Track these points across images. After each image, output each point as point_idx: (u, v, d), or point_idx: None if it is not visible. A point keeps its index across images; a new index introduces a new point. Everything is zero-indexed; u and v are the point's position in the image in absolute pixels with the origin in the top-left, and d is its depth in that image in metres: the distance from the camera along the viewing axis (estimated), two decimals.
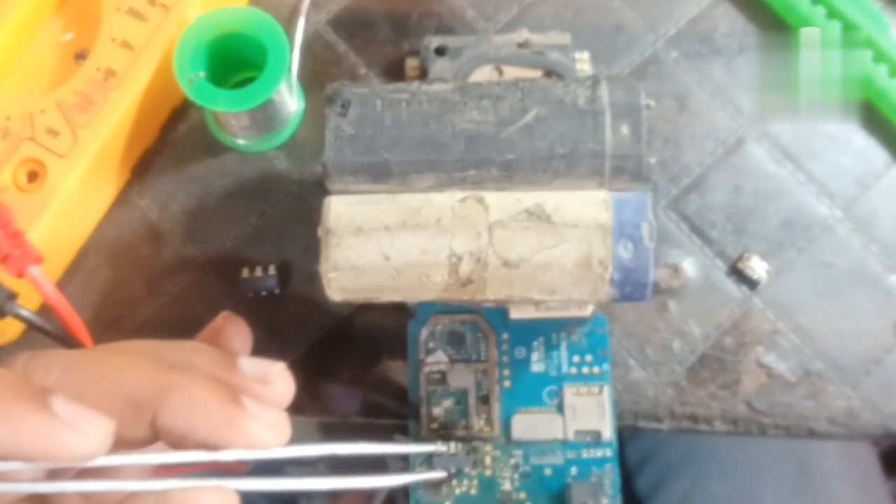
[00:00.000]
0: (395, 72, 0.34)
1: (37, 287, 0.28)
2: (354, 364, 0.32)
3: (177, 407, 0.20)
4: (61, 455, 0.18)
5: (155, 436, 0.21)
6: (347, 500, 0.55)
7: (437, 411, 0.29)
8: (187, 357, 0.23)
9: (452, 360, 0.29)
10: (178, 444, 0.20)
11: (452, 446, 0.28)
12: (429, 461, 0.28)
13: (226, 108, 0.30)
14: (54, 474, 0.21)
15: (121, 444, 0.20)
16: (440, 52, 0.31)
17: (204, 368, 0.22)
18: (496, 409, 0.29)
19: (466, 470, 0.28)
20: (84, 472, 0.21)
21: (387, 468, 0.41)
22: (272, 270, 0.31)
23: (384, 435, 0.29)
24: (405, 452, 0.28)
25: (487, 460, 0.28)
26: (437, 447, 0.28)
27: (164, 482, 0.20)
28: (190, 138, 0.33)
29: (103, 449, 0.19)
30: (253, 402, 0.21)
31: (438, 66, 0.30)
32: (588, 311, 0.29)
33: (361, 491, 0.53)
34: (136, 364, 0.21)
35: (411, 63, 0.33)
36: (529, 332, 0.29)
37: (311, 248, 0.25)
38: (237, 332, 0.28)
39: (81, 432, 0.18)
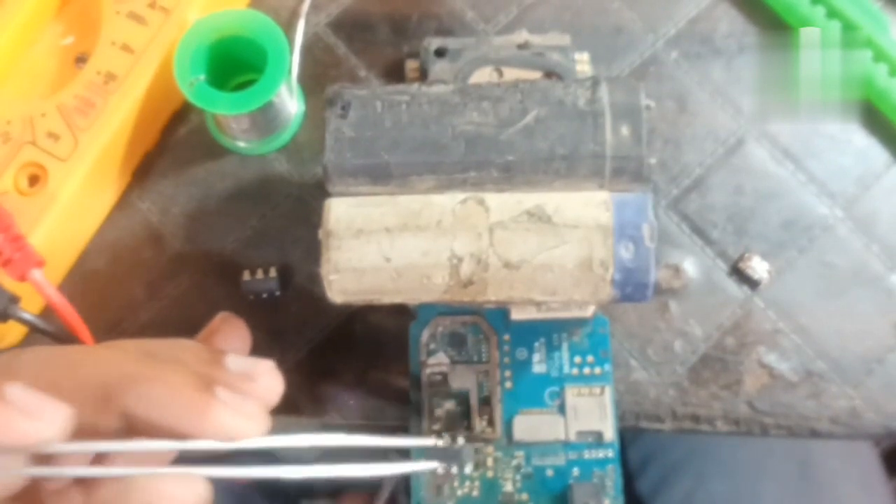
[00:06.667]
0: (395, 74, 0.34)
1: (39, 290, 0.28)
2: (356, 366, 0.32)
3: (144, 394, 0.20)
4: (13, 439, 0.19)
5: (127, 425, 0.21)
6: (350, 500, 0.55)
7: (439, 413, 0.29)
8: (175, 353, 0.23)
9: (454, 362, 0.29)
10: (149, 432, 0.21)
11: (450, 437, 0.28)
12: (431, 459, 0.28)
13: (226, 111, 0.30)
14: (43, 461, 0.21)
15: (92, 432, 0.20)
16: (440, 53, 0.31)
17: (190, 364, 0.22)
18: (498, 411, 0.29)
19: (468, 471, 0.28)
20: (56, 458, 0.21)
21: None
22: (273, 273, 0.31)
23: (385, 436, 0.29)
24: (400, 446, 0.28)
25: (489, 461, 0.28)
26: (435, 441, 0.28)
27: (129, 469, 0.20)
28: (190, 141, 0.33)
29: (60, 434, 0.19)
30: (227, 393, 0.21)
31: (438, 67, 0.30)
32: (589, 311, 0.29)
33: (348, 481, 0.52)
34: (109, 356, 0.22)
35: (411, 65, 0.33)
36: (531, 332, 0.29)
37: (312, 250, 0.25)
38: (235, 332, 0.28)
39: (34, 417, 0.19)
